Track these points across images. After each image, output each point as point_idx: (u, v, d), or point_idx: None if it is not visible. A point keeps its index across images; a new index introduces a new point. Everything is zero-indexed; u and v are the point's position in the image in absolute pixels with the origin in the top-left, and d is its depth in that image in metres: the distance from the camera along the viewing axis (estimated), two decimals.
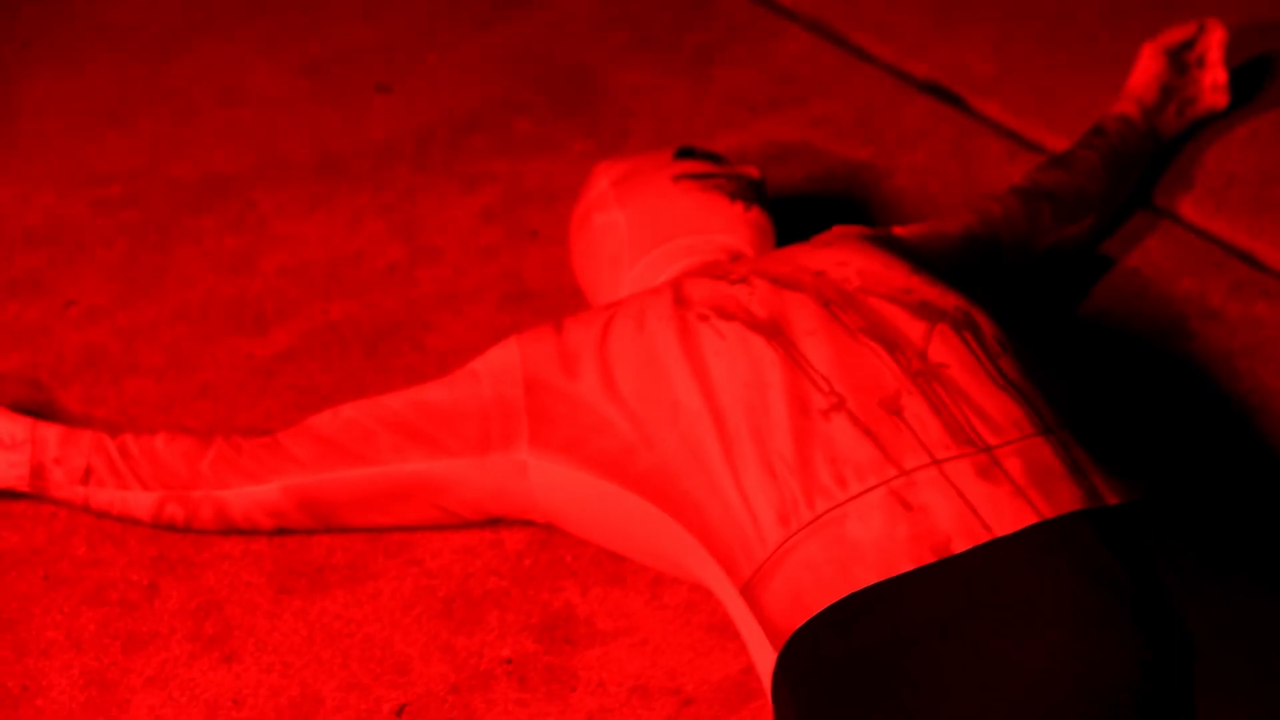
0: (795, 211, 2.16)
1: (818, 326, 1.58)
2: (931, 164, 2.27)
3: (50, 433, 1.78)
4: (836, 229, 1.84)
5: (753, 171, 1.93)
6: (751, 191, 1.89)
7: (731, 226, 1.85)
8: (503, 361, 1.71)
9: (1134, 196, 2.16)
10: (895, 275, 1.65)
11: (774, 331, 1.59)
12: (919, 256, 1.83)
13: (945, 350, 1.55)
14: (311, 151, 2.42)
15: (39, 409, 1.98)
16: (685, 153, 1.96)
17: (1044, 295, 2.01)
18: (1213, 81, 2.21)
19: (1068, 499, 1.42)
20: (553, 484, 1.66)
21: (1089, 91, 2.34)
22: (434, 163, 2.37)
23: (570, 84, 2.51)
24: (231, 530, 1.78)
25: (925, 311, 1.59)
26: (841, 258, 1.69)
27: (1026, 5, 2.55)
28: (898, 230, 1.87)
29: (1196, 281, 2.03)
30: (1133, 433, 1.81)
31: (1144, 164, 2.15)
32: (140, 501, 1.76)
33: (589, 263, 1.92)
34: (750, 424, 1.52)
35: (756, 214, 1.87)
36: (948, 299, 1.62)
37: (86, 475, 1.77)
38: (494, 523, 1.76)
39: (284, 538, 1.80)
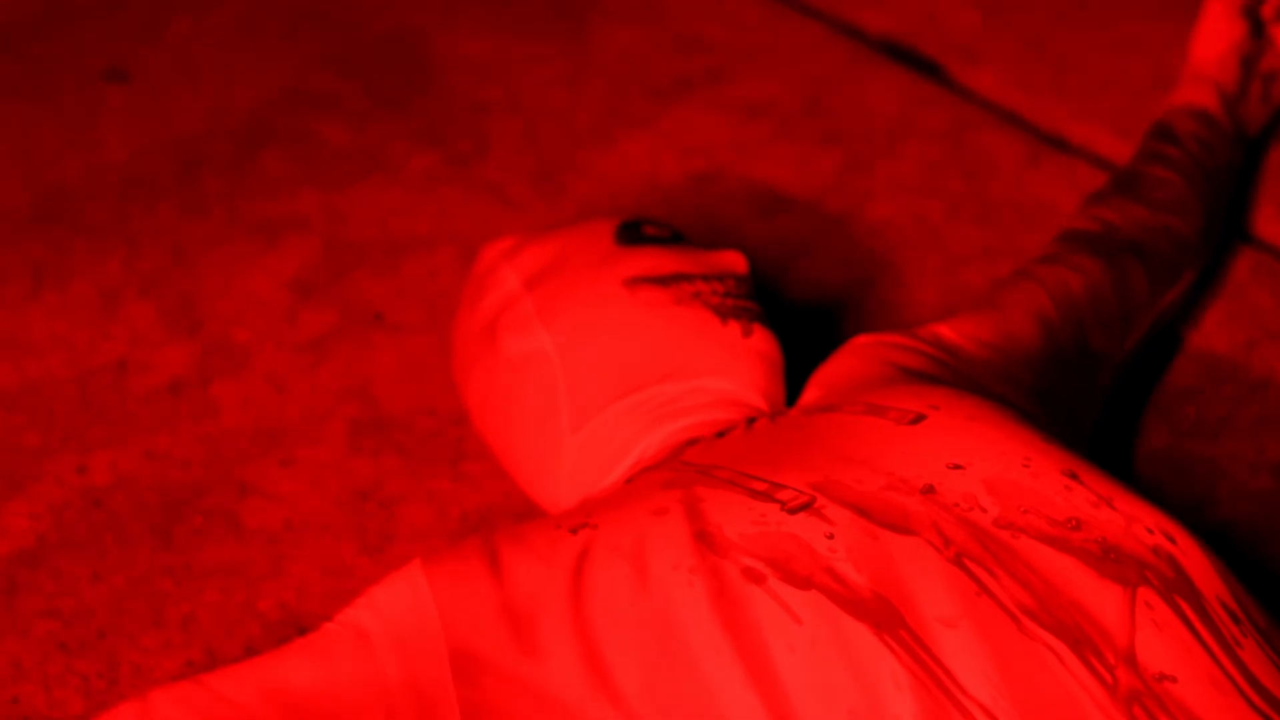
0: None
1: (957, 608, 1.13)
2: (923, 175, 1.86)
3: None
4: (861, 340, 1.43)
5: (739, 264, 1.46)
6: (747, 302, 1.44)
7: (729, 362, 1.41)
8: (409, 615, 1.23)
9: (1224, 228, 1.75)
10: (1045, 482, 1.20)
11: (885, 616, 1.13)
12: (1015, 397, 1.40)
13: (1161, 642, 1.12)
14: (21, 187, 1.92)
15: None
16: (632, 233, 1.44)
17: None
18: None
19: None
20: None
21: (1108, 51, 1.97)
22: (209, 198, 1.89)
23: (392, 61, 2.07)
24: None
25: (1112, 563, 1.16)
26: (949, 446, 1.24)
27: None
28: (946, 332, 1.46)
29: None
30: None
31: (1235, 179, 1.74)
32: None
33: (500, 412, 1.46)
34: None
35: (760, 339, 1.43)
36: (1135, 527, 1.19)
37: None
38: None
39: None
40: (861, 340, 1.42)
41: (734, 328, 1.40)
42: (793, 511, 1.19)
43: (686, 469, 1.25)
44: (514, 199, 1.81)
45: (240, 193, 1.87)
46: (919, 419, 1.26)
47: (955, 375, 1.39)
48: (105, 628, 1.43)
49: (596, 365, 1.39)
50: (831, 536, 1.16)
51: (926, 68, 1.98)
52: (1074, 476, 1.20)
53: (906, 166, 1.86)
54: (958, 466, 1.20)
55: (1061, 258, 1.54)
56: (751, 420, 1.34)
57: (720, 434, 1.33)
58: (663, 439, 1.36)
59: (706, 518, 1.19)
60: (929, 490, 1.18)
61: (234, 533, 1.51)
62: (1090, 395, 1.49)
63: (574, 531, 1.22)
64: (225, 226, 1.83)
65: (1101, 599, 1.13)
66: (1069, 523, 1.17)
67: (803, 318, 1.67)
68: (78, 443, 1.59)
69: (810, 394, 1.39)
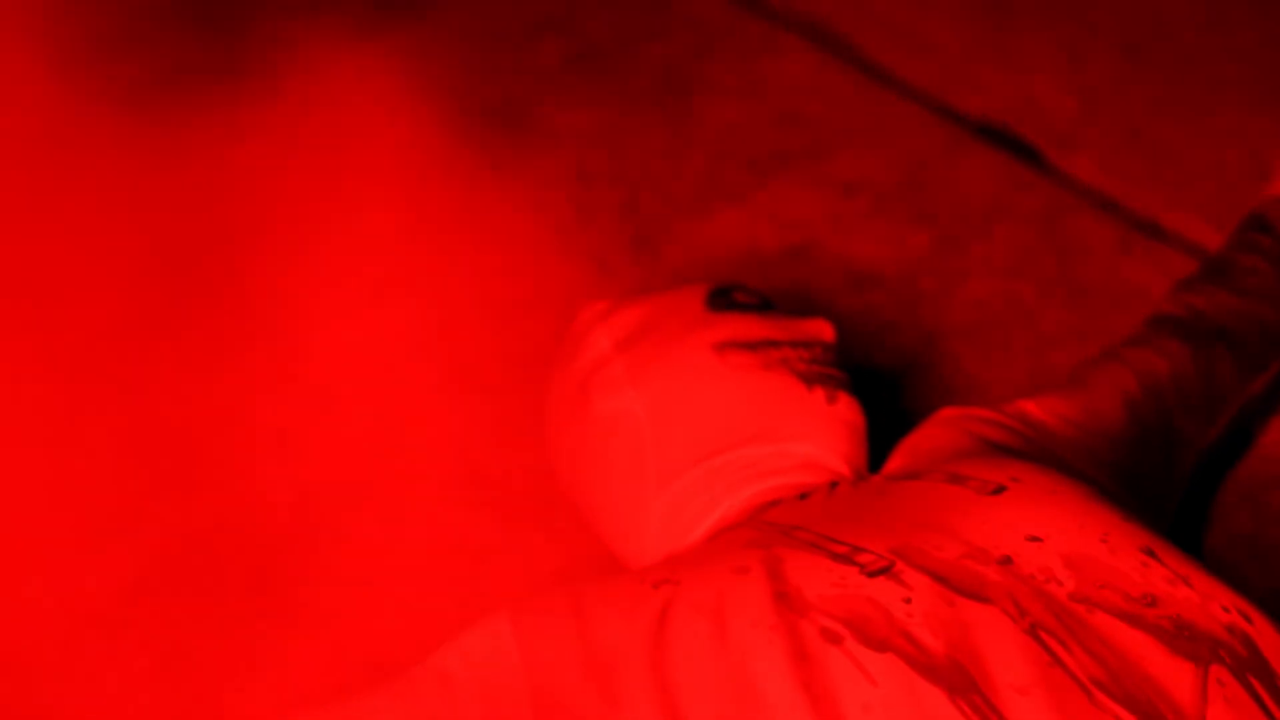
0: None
1: (1030, 676, 1.15)
2: (1016, 259, 1.89)
3: None
4: (947, 413, 1.47)
5: (825, 332, 1.49)
6: (833, 370, 1.47)
7: (813, 428, 1.45)
8: (493, 661, 1.26)
9: None
10: (1122, 558, 1.23)
11: (959, 681, 1.15)
12: (1096, 474, 1.43)
13: (1232, 718, 1.14)
14: None
15: None
16: (723, 299, 1.47)
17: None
18: None
19: None
20: None
21: (1205, 141, 1.99)
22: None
23: (500, 128, 2.10)
24: None
25: (1186, 640, 1.18)
26: (1028, 518, 1.26)
27: (1094, 8, 2.19)
28: (1032, 409, 1.49)
29: None
30: None
31: None
32: None
33: (589, 470, 1.50)
34: None
35: (844, 406, 1.46)
36: (1211, 605, 1.21)
37: None
38: None
39: None
40: (948, 413, 1.46)
41: (819, 394, 1.44)
42: (872, 575, 1.21)
43: (769, 529, 1.29)
44: (614, 267, 1.86)
45: (353, 248, 1.89)
46: (1000, 490, 1.29)
47: (1039, 450, 1.42)
48: (203, 670, 1.48)
49: (684, 426, 1.43)
50: (909, 601, 1.19)
51: (1023, 152, 2.01)
52: (1151, 554, 1.22)
53: (999, 248, 1.88)
54: (1036, 539, 1.23)
55: (1149, 341, 1.56)
56: (834, 484, 1.38)
57: (802, 496, 1.37)
58: (745, 500, 1.40)
59: (787, 578, 1.22)
60: (1007, 561, 1.21)
61: (329, 581, 1.55)
62: (1172, 478, 1.51)
63: (656, 586, 1.25)
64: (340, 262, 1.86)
65: (1174, 675, 1.15)
66: (1144, 599, 1.19)
67: (890, 389, 1.71)
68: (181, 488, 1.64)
69: (895, 461, 1.43)
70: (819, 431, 1.43)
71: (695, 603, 1.23)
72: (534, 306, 1.81)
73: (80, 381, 1.73)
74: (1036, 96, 2.08)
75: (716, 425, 1.43)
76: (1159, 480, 1.49)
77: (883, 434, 1.48)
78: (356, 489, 1.64)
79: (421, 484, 1.63)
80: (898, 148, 2.03)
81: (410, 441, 1.68)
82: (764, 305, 1.51)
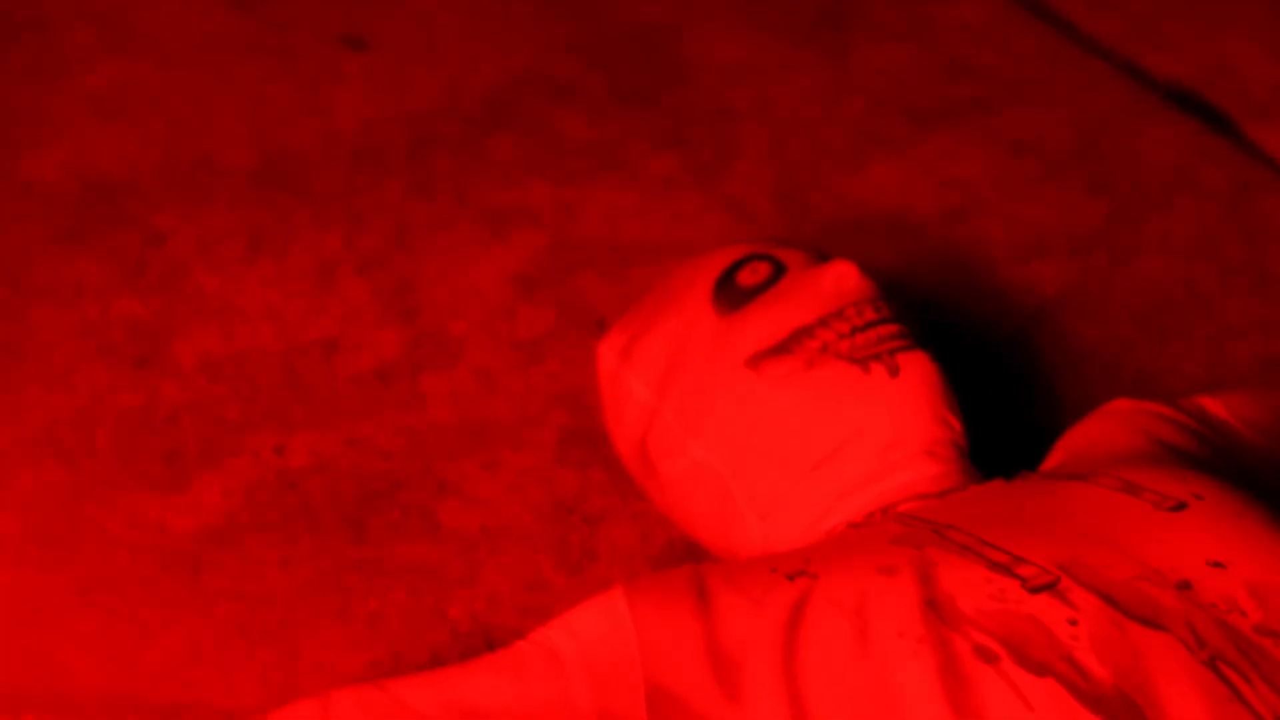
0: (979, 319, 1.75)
1: (1208, 712, 1.13)
2: (1198, 238, 1.88)
3: None
4: (1120, 404, 1.44)
5: (849, 277, 1.44)
6: (879, 329, 1.43)
7: (887, 411, 1.41)
8: (606, 643, 1.26)
9: None
10: None
11: (1127, 713, 1.13)
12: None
13: None
14: (248, 146, 2.00)
15: None
16: (730, 294, 1.47)
17: None
18: None
19: None
20: None
21: None
22: (437, 179, 1.95)
23: (641, 55, 2.12)
24: None
25: None
26: (1211, 540, 1.23)
27: None
28: (1214, 408, 1.45)
29: None
30: None
31: None
32: None
33: (684, 520, 1.53)
34: None
35: (910, 370, 1.41)
36: None
37: None
38: None
39: None
40: (1120, 405, 1.43)
41: (878, 371, 1.40)
42: (1034, 590, 1.19)
43: (918, 525, 1.26)
44: (754, 213, 1.85)
45: (470, 177, 1.93)
46: (1180, 506, 1.26)
47: (1222, 458, 1.38)
48: (288, 617, 1.48)
49: (760, 460, 1.43)
50: (1074, 623, 1.16)
51: (1214, 120, 2.00)
52: None
53: (1180, 224, 1.87)
54: (1219, 565, 1.20)
55: None
56: (978, 478, 1.35)
57: (942, 494, 1.33)
58: (859, 506, 1.38)
59: (939, 585, 1.20)
60: (1185, 586, 1.19)
61: (429, 532, 1.56)
62: None
63: (791, 578, 1.23)
64: (451, 210, 1.89)
65: None
66: None
67: (1052, 373, 1.68)
68: (278, 421, 1.65)
69: (1057, 455, 1.40)
70: (895, 412, 1.40)
71: (834, 600, 1.22)
72: (662, 251, 1.80)
73: None
74: (1233, 60, 2.08)
75: (791, 448, 1.41)
76: None
77: (1045, 426, 1.46)
78: (467, 436, 1.64)
79: (536, 434, 1.63)
80: (1075, 107, 2.02)
81: (529, 387, 1.69)
82: (776, 272, 1.48)
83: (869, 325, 1.42)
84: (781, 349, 1.43)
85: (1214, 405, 1.44)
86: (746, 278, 1.47)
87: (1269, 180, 1.90)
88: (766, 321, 1.44)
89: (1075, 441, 1.39)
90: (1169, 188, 1.90)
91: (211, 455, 1.63)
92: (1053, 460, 1.39)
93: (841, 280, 1.44)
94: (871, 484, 1.39)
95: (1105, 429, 1.40)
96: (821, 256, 1.47)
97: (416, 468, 1.61)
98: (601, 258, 1.82)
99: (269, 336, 1.73)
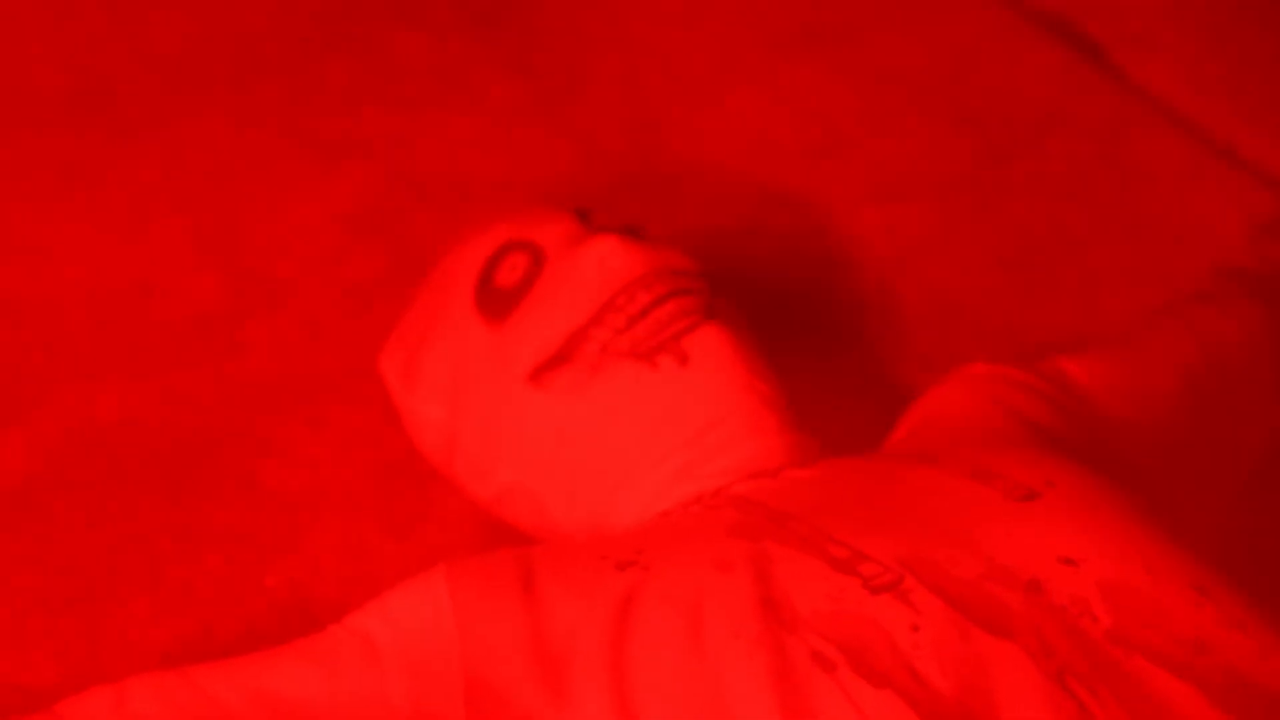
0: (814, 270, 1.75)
1: None
2: (1069, 178, 1.85)
3: None
4: (975, 370, 1.42)
5: (631, 263, 1.40)
6: (656, 311, 1.39)
7: (689, 403, 1.38)
8: (425, 634, 1.24)
9: None
10: (1169, 593, 1.18)
11: None
12: (1143, 464, 1.37)
13: None
14: (58, 69, 1.93)
15: None
16: (491, 295, 1.44)
17: None
18: None
19: None
20: None
21: None
22: (264, 106, 1.89)
23: None
24: None
25: (1238, 697, 1.14)
26: (1062, 534, 1.20)
27: None
28: (1075, 371, 1.43)
29: None
30: None
31: None
32: None
33: (505, 521, 1.51)
34: None
35: (700, 351, 1.38)
36: (1273, 661, 1.16)
37: None
38: None
39: None
40: (977, 369, 1.41)
41: (666, 363, 1.37)
42: (876, 591, 1.18)
43: (756, 511, 1.24)
44: (603, 148, 1.80)
45: (299, 104, 1.88)
46: (1031, 496, 1.25)
47: (1080, 429, 1.36)
48: (92, 586, 1.44)
49: (571, 475, 1.41)
50: (917, 629, 1.14)
51: (1089, 50, 1.98)
52: (1204, 591, 1.18)
53: (1052, 164, 1.86)
54: (1070, 561, 1.19)
55: (1218, 300, 1.52)
56: (789, 414, 1.34)
57: (780, 468, 1.32)
58: (687, 494, 1.35)
59: (776, 582, 1.18)
60: (1034, 586, 1.17)
61: (248, 494, 1.53)
62: (1235, 467, 1.49)
63: (621, 568, 1.21)
64: (278, 141, 1.83)
65: None
66: (1193, 644, 1.15)
67: (914, 325, 1.66)
68: (87, 371, 1.61)
69: (906, 426, 1.37)
70: (697, 401, 1.37)
71: (666, 595, 1.20)
72: (504, 187, 1.76)
73: None
74: None
75: (600, 458, 1.39)
76: (1219, 471, 1.46)
77: (906, 383, 1.47)
78: (291, 390, 1.60)
79: (365, 389, 1.58)
80: (942, 34, 2.00)
81: (359, 337, 1.63)
82: (534, 264, 1.44)
83: (644, 312, 1.38)
84: (560, 358, 1.40)
85: (1074, 366, 1.42)
86: (505, 277, 1.43)
87: (1144, 117, 1.89)
88: (538, 329, 1.40)
89: (926, 412, 1.37)
90: (1041, 125, 1.89)
91: (12, 408, 1.58)
92: (902, 430, 1.36)
93: (604, 261, 1.39)
94: (695, 474, 1.36)
95: (957, 399, 1.38)
96: (582, 216, 1.42)
97: (236, 424, 1.58)
98: (439, 194, 1.78)
99: (78, 277, 1.68)
